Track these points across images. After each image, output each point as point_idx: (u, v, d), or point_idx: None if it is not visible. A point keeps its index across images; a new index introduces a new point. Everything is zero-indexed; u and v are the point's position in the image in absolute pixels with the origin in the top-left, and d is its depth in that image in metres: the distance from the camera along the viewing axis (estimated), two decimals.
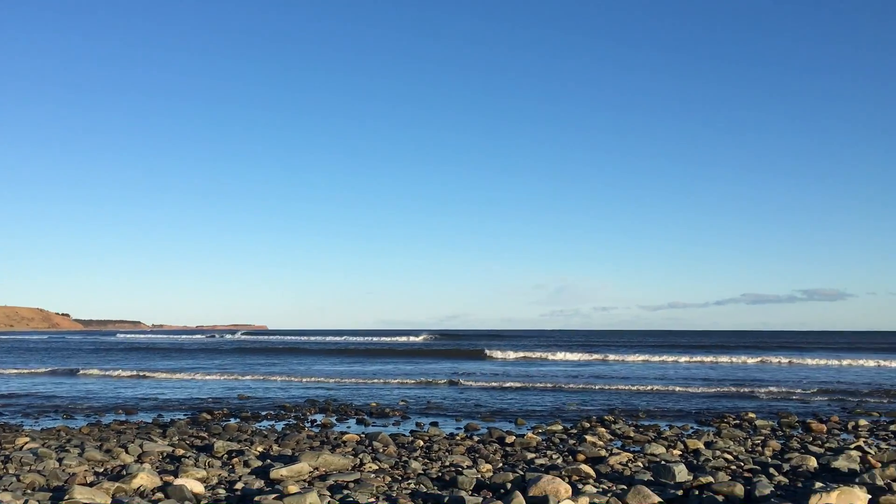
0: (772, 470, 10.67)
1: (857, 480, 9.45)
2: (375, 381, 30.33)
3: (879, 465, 10.99)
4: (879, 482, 9.33)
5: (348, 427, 16.89)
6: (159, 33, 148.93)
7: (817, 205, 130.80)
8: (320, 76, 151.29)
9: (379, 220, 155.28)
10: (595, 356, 48.39)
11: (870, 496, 8.07)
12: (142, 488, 9.07)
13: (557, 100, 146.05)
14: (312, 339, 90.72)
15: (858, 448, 12.51)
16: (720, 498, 8.72)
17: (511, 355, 49.44)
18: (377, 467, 11.00)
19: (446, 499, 8.55)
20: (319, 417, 18.45)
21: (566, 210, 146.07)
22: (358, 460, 11.42)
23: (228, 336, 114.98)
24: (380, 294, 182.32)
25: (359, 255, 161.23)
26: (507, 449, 13.13)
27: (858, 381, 30.50)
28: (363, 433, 14.99)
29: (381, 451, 12.70)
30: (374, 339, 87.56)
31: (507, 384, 27.94)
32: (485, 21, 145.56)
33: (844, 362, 42.00)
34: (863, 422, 16.53)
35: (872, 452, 11.95)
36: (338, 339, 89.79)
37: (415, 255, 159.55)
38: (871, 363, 41.10)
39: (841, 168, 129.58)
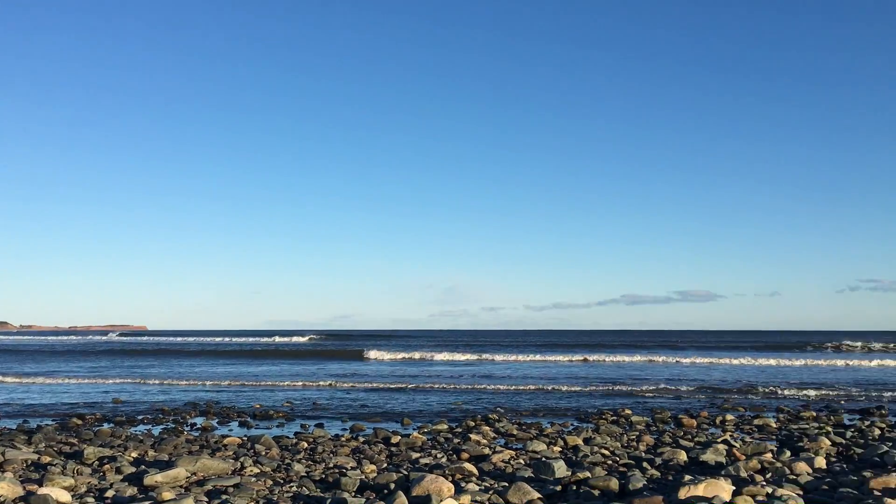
0: (645, 464, 11.11)
1: (723, 473, 9.98)
2: (260, 382, 29.68)
3: (744, 457, 11.63)
4: (743, 474, 9.88)
5: (230, 430, 16.45)
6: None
7: (690, 209, 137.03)
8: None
9: (267, 218, 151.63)
10: (482, 356, 49.04)
11: (734, 488, 8.51)
12: (1, 498, 8.52)
13: (449, 96, 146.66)
14: (195, 339, 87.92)
15: (725, 442, 13.21)
16: (596, 492, 9.01)
17: (399, 356, 49.48)
18: (259, 470, 10.76)
19: (328, 501, 8.46)
20: (200, 421, 17.87)
21: (456, 210, 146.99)
22: (239, 464, 11.13)
23: (102, 337, 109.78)
24: (267, 294, 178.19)
25: (246, 254, 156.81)
26: (393, 449, 13.12)
27: (727, 377, 32.24)
28: (245, 436, 14.64)
29: (263, 454, 12.44)
30: (260, 339, 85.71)
31: (395, 385, 27.95)
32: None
33: (715, 360, 44.27)
34: (729, 417, 17.45)
35: (738, 446, 12.63)
36: (222, 339, 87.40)
37: (305, 254, 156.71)
38: (737, 361, 43.47)
39: (711, 172, 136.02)
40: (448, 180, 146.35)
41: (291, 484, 9.82)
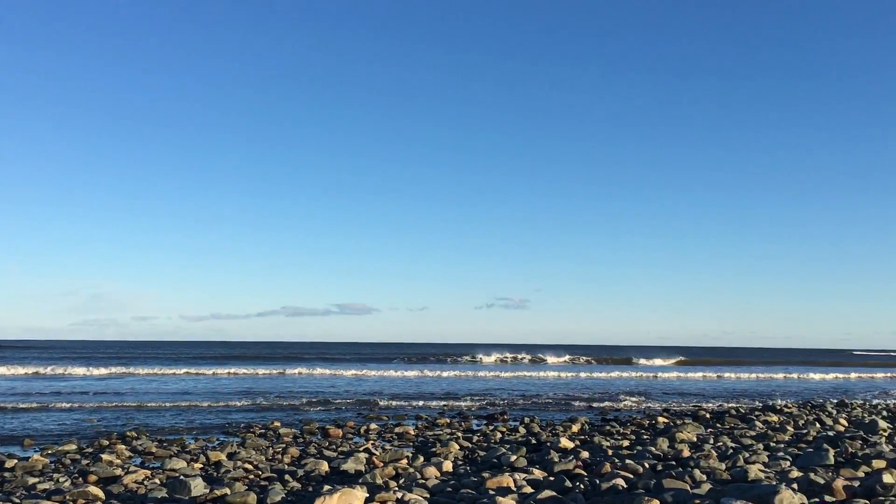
0: (287, 476, 11.12)
1: (360, 481, 10.33)
2: None
3: (382, 464, 12.18)
4: (379, 481, 10.32)
5: None
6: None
7: (344, 224, 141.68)
8: None
9: None
10: (127, 369, 45.72)
11: (367, 495, 8.84)
12: None
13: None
14: None
15: (367, 450, 13.74)
16: None
17: (25, 369, 44.06)
18: None
19: None
20: None
21: (103, 209, 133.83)
22: None
23: None
24: None
25: None
26: (6, 475, 11.59)
27: (376, 387, 33.76)
28: None
29: None
30: None
31: (17, 404, 24.85)
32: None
33: (368, 371, 46.10)
34: (374, 426, 18.22)
35: (378, 454, 13.20)
36: None
37: None
38: (387, 373, 45.78)
39: (368, 192, 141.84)
40: (93, 178, 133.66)
41: None
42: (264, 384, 35.81)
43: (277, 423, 18.36)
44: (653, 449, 12.97)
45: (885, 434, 15.34)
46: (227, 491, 9.55)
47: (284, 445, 14.96)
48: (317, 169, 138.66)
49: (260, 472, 11.72)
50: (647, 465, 10.81)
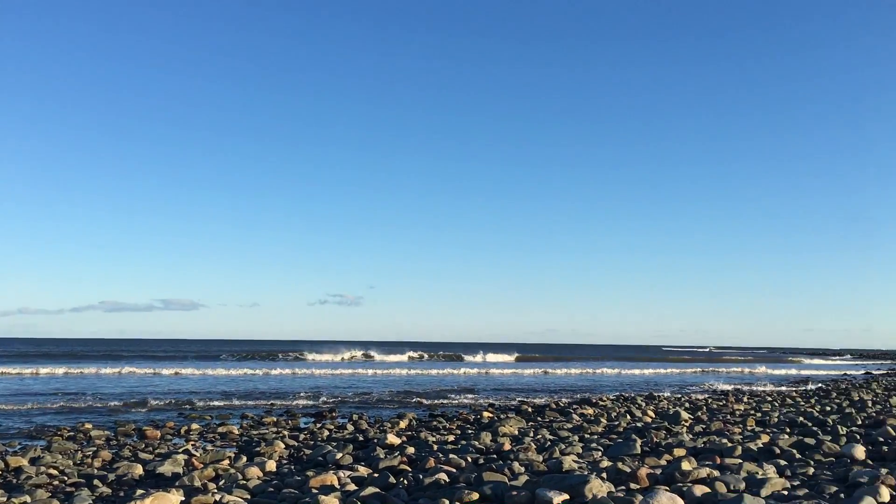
0: (97, 481, 10.47)
1: (177, 483, 9.91)
2: None
3: (201, 466, 11.72)
4: (197, 483, 9.94)
5: None
6: None
7: (171, 211, 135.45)
8: None
9: None
10: None
11: (183, 498, 8.49)
12: None
13: None
14: None
15: (186, 451, 13.17)
16: None
17: None
18: None
19: None
20: None
21: None
22: None
23: None
24: None
25: None
26: None
27: (200, 386, 32.55)
28: None
29: None
30: None
31: None
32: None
33: (196, 371, 44.33)
34: (195, 426, 17.51)
35: (198, 455, 12.70)
36: None
37: None
38: (213, 371, 44.30)
39: (217, 178, 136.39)
40: None
41: None
42: (76, 384, 33.53)
43: (89, 426, 17.24)
44: (476, 443, 13.32)
45: (686, 424, 16.63)
46: (28, 499, 8.89)
47: (96, 448, 14.05)
48: (146, 153, 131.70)
49: (66, 478, 10.94)
50: (469, 459, 11.11)
